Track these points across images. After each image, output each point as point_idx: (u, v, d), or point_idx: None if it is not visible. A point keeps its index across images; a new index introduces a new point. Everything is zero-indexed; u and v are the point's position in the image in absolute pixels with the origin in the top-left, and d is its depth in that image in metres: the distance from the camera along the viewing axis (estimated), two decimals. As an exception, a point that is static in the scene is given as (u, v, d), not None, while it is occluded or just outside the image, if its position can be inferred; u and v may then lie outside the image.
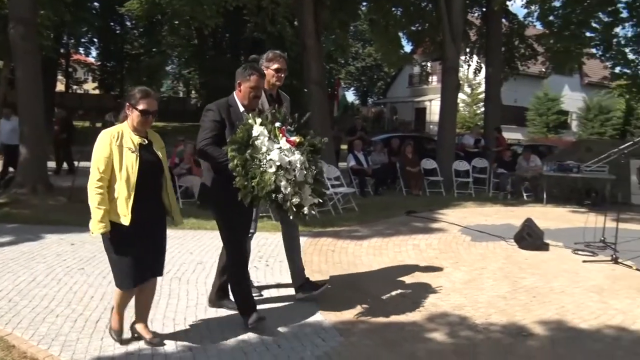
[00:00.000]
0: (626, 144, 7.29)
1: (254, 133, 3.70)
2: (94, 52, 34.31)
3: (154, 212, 3.62)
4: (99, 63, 36.12)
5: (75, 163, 12.44)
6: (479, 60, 19.90)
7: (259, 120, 3.75)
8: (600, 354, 3.91)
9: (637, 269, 6.26)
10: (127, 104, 3.51)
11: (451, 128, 14.40)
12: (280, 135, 3.74)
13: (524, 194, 12.08)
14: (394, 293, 5.07)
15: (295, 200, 3.71)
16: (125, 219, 3.39)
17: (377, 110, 44.79)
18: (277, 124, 3.77)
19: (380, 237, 7.53)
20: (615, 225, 6.78)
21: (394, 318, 4.41)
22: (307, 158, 3.80)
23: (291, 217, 3.82)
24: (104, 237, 3.45)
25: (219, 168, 3.88)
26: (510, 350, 3.89)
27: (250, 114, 3.83)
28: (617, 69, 17.20)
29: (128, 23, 31.21)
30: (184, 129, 23.32)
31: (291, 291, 4.86)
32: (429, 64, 29.95)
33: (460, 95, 31.33)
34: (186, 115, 32.01)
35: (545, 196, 11.45)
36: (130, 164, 3.41)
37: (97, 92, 37.98)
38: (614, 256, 6.54)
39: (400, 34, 18.74)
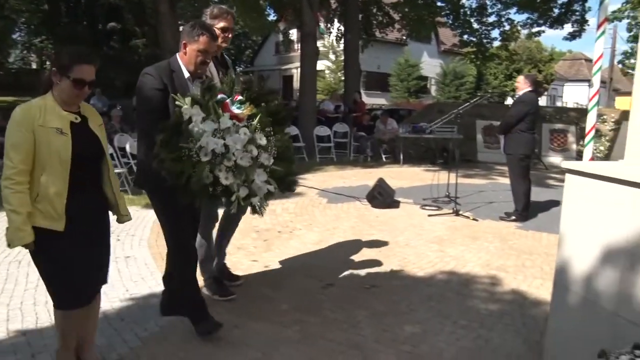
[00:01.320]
0: (463, 106, 7.87)
1: (185, 116, 3.01)
2: None
3: (94, 208, 2.82)
4: None
5: None
6: (339, 28, 20.31)
7: (188, 100, 3.04)
8: (432, 296, 4.25)
9: (474, 219, 6.86)
10: (54, 69, 2.62)
11: (311, 94, 14.70)
12: (223, 111, 3.09)
13: (383, 156, 12.68)
14: (244, 260, 5.12)
15: (243, 192, 3.03)
16: (58, 223, 2.58)
17: (246, 79, 44.30)
18: (221, 97, 3.11)
19: (239, 204, 7.55)
20: (463, 181, 7.36)
21: (241, 281, 4.47)
22: (264, 133, 3.13)
23: (233, 211, 3.14)
24: (29, 249, 2.60)
25: None
26: (351, 300, 4.11)
27: (177, 94, 3.10)
28: (465, 37, 18.41)
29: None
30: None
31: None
32: (295, 31, 30.05)
33: (326, 62, 31.97)
34: (41, 88, 29.43)
35: (402, 157, 12.10)
36: (61, 149, 2.56)
37: None
38: (455, 209, 7.11)
39: (262, 1, 18.61)
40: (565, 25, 17.16)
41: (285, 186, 3.36)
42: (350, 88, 16.52)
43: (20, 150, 2.50)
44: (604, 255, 2.79)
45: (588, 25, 16.87)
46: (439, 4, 17.71)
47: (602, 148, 12.81)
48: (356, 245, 5.60)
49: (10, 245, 2.55)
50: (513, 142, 6.84)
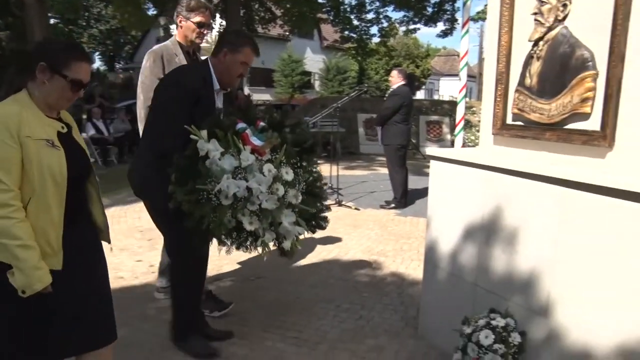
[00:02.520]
0: (342, 100, 8.14)
1: (201, 151, 2.63)
2: None
3: (88, 238, 2.29)
4: None
5: None
6: (222, 23, 20.11)
7: (204, 133, 2.65)
8: (316, 284, 4.41)
9: (356, 208, 7.16)
10: (42, 64, 2.02)
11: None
12: (243, 144, 2.69)
13: (269, 151, 12.76)
14: (128, 261, 5.02)
15: (268, 236, 2.67)
16: (55, 260, 2.03)
17: (126, 76, 42.59)
18: (240, 126, 2.72)
19: (121, 205, 7.33)
20: (345, 172, 7.60)
21: (124, 281, 4.40)
22: (291, 166, 2.74)
23: (265, 259, 2.80)
24: (45, 291, 1.96)
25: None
26: (238, 292, 4.17)
27: (192, 126, 2.68)
28: (346, 33, 18.94)
29: None
30: None
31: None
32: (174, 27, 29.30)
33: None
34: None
35: (287, 152, 12.24)
36: (55, 167, 2.01)
37: None
38: (337, 200, 7.36)
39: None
40: (438, 23, 18.17)
41: (316, 225, 2.97)
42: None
43: (10, 169, 1.90)
44: (464, 233, 3.07)
45: (458, 24, 17.99)
46: (320, 0, 18.07)
47: (472, 137, 13.74)
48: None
49: (25, 292, 1.90)
50: (390, 133, 7.21)
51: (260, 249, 2.73)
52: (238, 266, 4.79)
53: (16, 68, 2.12)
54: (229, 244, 2.73)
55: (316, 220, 2.94)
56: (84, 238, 2.23)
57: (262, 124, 2.85)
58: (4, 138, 1.90)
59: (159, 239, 5.59)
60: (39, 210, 1.98)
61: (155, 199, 2.95)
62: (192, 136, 2.67)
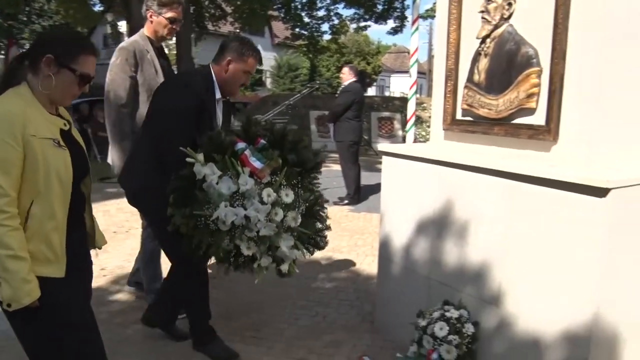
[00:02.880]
0: (294, 97, 8.14)
1: (198, 174, 2.55)
2: None
3: (82, 246, 2.15)
4: None
5: None
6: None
7: (201, 157, 2.56)
8: (270, 283, 4.39)
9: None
10: (49, 56, 1.86)
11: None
12: (242, 165, 2.60)
13: (221, 150, 12.65)
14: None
15: (265, 261, 2.63)
16: (57, 267, 1.89)
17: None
18: (239, 147, 2.63)
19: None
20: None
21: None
22: (292, 188, 2.67)
23: (256, 282, 2.72)
24: (32, 306, 1.80)
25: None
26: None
27: (187, 149, 2.59)
28: (297, 30, 18.94)
29: None
30: None
31: None
32: (124, 23, 28.62)
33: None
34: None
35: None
36: (61, 167, 1.87)
37: None
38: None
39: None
40: (389, 21, 18.36)
41: (314, 245, 2.89)
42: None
43: (10, 171, 1.75)
44: (417, 227, 3.13)
45: (407, 21, 18.25)
46: (270, -4, 18.02)
47: (423, 133, 13.97)
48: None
49: (11, 305, 1.77)
50: (342, 130, 7.26)
51: (257, 274, 2.68)
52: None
53: (16, 59, 1.95)
54: (226, 265, 2.68)
55: (315, 241, 2.86)
56: (84, 244, 2.14)
57: (262, 141, 2.75)
58: (5, 137, 1.74)
59: (111, 240, 5.48)
60: (43, 213, 1.84)
61: (152, 210, 2.95)
62: (188, 159, 2.58)
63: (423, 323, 2.83)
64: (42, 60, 1.86)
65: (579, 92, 2.39)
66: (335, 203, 7.33)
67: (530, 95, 2.59)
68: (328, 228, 2.97)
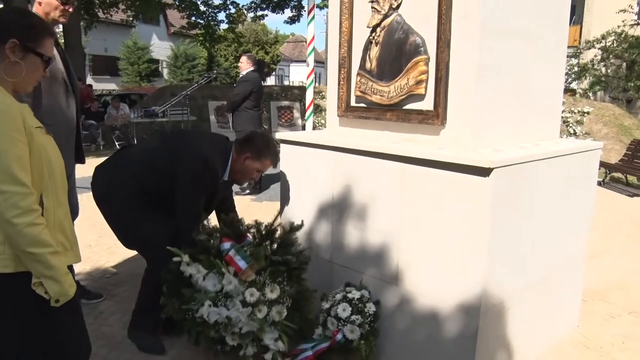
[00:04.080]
0: (191, 87, 7.99)
1: (184, 273, 2.75)
2: None
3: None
4: None
5: None
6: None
7: (186, 258, 2.76)
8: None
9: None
10: (14, 41, 1.72)
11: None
12: (227, 265, 2.76)
13: (116, 143, 12.17)
14: None
15: (250, 350, 2.74)
16: (74, 254, 1.93)
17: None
18: (225, 247, 2.80)
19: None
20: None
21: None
22: (278, 283, 2.75)
23: None
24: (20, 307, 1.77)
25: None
26: (97, 290, 3.97)
27: (173, 249, 2.79)
28: (193, 19, 18.50)
29: None
30: None
31: None
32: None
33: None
34: None
35: (136, 142, 11.77)
36: (56, 155, 1.84)
37: None
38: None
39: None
40: (286, 10, 18.35)
41: (300, 337, 2.92)
42: (74, 72, 15.34)
43: (27, 168, 1.69)
44: (317, 213, 3.19)
45: (305, 10, 18.33)
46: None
47: (322, 121, 14.15)
48: (94, 236, 5.37)
49: (60, 300, 1.76)
50: (241, 120, 7.21)
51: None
52: (91, 265, 4.55)
53: None
54: (215, 351, 2.79)
55: (302, 332, 2.91)
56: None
57: (249, 237, 2.91)
58: (13, 133, 1.64)
59: None
60: (54, 203, 1.80)
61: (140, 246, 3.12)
62: (174, 259, 2.77)
63: (327, 305, 2.90)
64: (5, 46, 1.72)
65: (463, 79, 2.54)
66: (236, 193, 7.28)
67: (419, 82, 2.71)
68: (316, 319, 3.00)
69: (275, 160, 3.25)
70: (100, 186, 3.09)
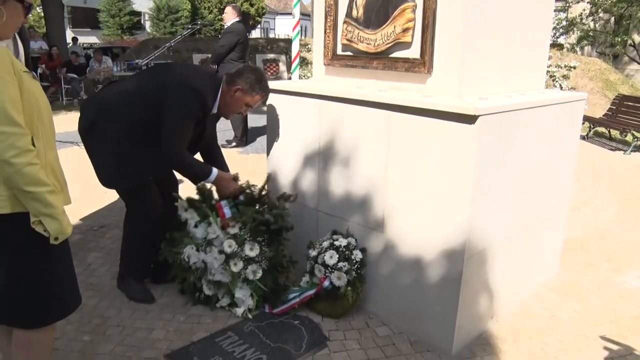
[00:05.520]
0: (175, 39, 7.84)
1: (181, 217, 3.09)
2: None
3: None
4: None
5: None
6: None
7: (184, 203, 3.11)
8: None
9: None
10: None
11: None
12: (217, 214, 3.02)
13: (100, 97, 12.01)
14: None
15: (225, 300, 2.99)
16: (65, 194, 1.96)
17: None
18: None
19: None
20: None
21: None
22: (257, 242, 2.92)
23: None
24: (22, 243, 1.81)
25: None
26: (82, 245, 3.99)
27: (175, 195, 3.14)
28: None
29: None
30: None
31: None
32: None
33: None
34: None
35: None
36: (44, 99, 1.84)
37: None
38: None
39: None
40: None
41: (273, 300, 3.01)
42: (53, 25, 14.98)
43: (20, 108, 1.69)
44: (303, 162, 3.20)
45: (289, -41, 17.89)
46: None
47: (309, 75, 14.03)
48: (80, 188, 5.35)
49: (59, 238, 1.82)
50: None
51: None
52: (78, 217, 4.55)
53: None
54: (196, 296, 3.06)
55: (273, 296, 3.00)
56: None
57: (241, 198, 3.13)
58: (5, 75, 1.65)
59: None
60: (45, 146, 1.82)
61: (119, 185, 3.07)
62: (175, 204, 3.10)
63: (314, 253, 2.95)
64: None
65: (450, 27, 2.52)
66: (222, 146, 7.24)
67: (405, 30, 2.69)
68: (293, 285, 3.11)
69: (265, 96, 3.18)
70: (86, 120, 2.97)
